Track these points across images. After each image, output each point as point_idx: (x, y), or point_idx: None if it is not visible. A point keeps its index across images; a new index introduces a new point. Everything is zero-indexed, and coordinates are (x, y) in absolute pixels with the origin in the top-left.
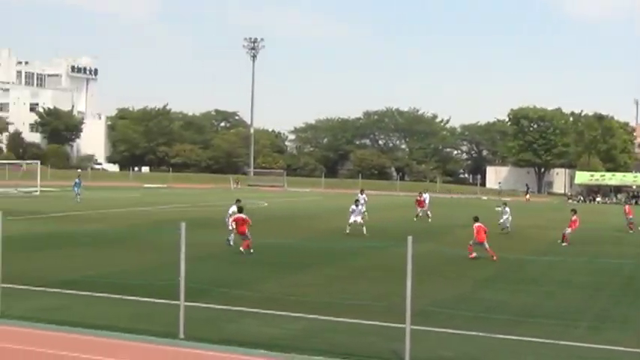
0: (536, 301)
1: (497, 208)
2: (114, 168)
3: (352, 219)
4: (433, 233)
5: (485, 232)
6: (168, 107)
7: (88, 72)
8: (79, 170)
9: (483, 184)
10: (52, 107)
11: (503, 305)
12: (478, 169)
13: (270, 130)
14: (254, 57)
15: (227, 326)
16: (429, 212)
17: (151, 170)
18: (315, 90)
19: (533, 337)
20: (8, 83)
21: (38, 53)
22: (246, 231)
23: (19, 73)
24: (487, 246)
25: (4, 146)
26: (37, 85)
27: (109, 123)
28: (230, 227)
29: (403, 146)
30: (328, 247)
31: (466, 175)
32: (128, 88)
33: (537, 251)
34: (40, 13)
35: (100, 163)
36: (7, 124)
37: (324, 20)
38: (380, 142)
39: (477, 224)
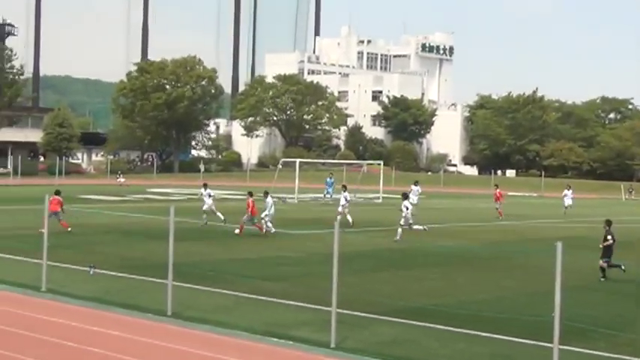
0: None
1: None
2: (471, 171)
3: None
4: None
5: None
6: (539, 94)
7: (441, 51)
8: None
9: None
10: (398, 95)
11: None
12: None
13: None
14: None
15: None
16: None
17: (517, 174)
18: None
19: None
20: (348, 67)
21: (383, 31)
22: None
23: (359, 54)
24: None
25: (341, 143)
26: (381, 68)
27: (467, 114)
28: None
29: None
30: None
31: None
32: (490, 71)
33: None
34: None
35: (454, 165)
36: (346, 116)
37: None
38: None
39: None
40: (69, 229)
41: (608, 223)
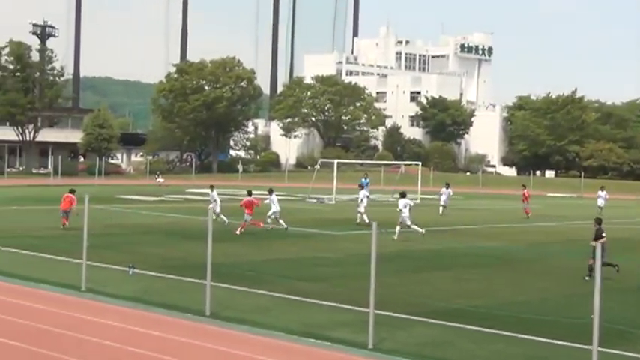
0: None
1: None
2: (510, 172)
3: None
4: None
5: None
6: (578, 95)
7: (480, 52)
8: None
9: None
10: (436, 96)
11: None
12: None
13: None
14: None
15: None
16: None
17: (556, 175)
18: None
19: None
20: (386, 68)
21: (421, 31)
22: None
23: (398, 54)
24: None
25: (380, 143)
26: (419, 69)
27: (505, 115)
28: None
29: None
30: None
31: None
32: (529, 71)
33: None
34: None
35: (493, 166)
36: (385, 117)
37: None
38: None
39: None
40: (63, 226)
41: (599, 221)
